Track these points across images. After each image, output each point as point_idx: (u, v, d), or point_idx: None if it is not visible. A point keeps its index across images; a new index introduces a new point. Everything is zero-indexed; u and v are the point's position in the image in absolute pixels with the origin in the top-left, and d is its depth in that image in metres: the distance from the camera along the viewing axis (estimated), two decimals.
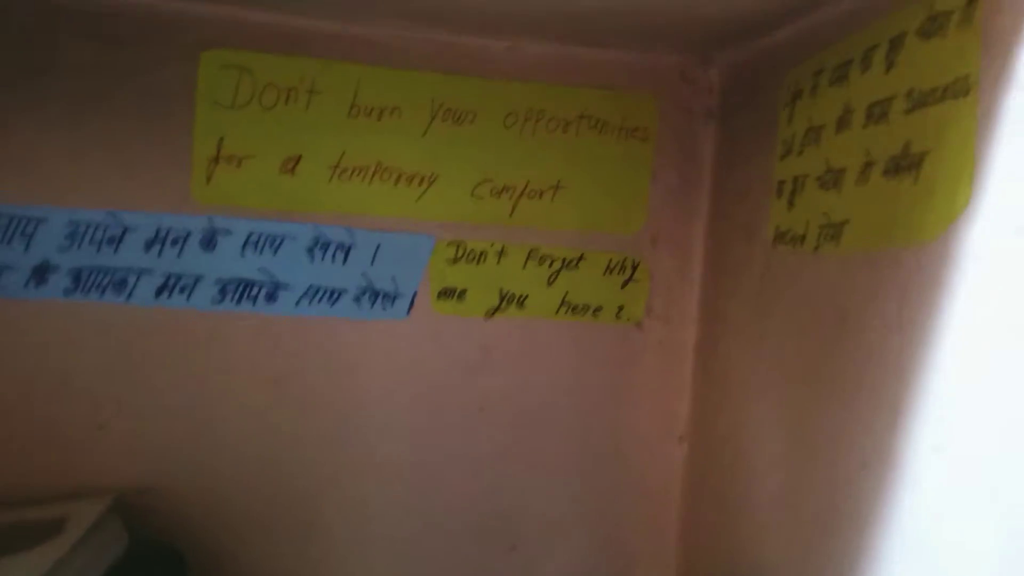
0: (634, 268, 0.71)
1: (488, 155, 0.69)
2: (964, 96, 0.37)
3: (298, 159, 0.67)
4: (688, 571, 0.68)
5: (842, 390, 0.46)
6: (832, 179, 0.49)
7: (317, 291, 0.68)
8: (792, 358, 0.53)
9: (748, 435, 0.59)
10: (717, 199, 0.68)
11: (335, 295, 0.68)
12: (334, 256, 0.68)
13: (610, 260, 0.71)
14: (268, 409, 0.67)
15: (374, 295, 0.69)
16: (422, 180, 0.69)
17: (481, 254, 0.70)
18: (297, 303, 0.68)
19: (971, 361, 0.36)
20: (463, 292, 0.70)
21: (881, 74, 0.44)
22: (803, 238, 0.52)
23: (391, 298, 0.69)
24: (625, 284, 0.71)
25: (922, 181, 0.40)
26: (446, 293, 0.70)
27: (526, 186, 0.70)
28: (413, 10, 0.62)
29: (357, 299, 0.69)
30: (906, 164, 0.41)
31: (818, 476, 0.48)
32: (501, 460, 0.71)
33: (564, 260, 0.70)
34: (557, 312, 0.71)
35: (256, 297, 0.67)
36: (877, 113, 0.44)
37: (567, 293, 0.71)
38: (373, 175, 0.68)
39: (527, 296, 0.70)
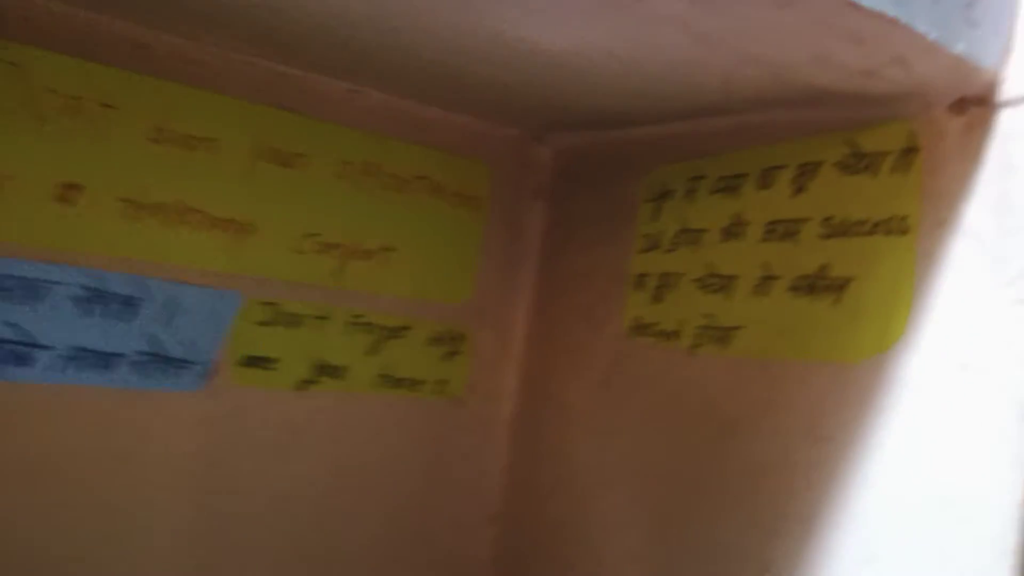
0: (459, 341, 0.67)
1: (317, 206, 0.61)
2: (901, 234, 0.40)
3: (78, 187, 0.53)
4: None
5: (736, 496, 0.47)
6: (718, 284, 0.51)
7: (87, 354, 0.54)
8: (656, 456, 0.53)
9: (594, 526, 0.58)
10: (548, 278, 0.68)
11: (110, 360, 0.54)
12: (114, 311, 0.54)
13: (436, 331, 0.66)
14: (11, 510, 0.51)
15: (161, 361, 0.56)
16: (237, 227, 0.58)
17: (298, 318, 0.61)
18: (57, 369, 0.53)
19: (905, 480, 0.38)
20: (272, 361, 0.60)
21: (787, 195, 0.47)
22: (676, 334, 0.53)
23: (182, 366, 0.57)
24: (449, 357, 0.67)
25: (845, 305, 0.42)
26: (252, 361, 0.59)
27: (355, 245, 0.63)
28: (243, 30, 0.52)
29: (139, 366, 0.55)
30: (823, 286, 0.44)
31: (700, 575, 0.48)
32: (305, 557, 0.61)
33: (389, 329, 0.64)
34: (377, 386, 0.64)
35: None
36: (781, 232, 0.47)
37: (389, 365, 0.64)
38: (176, 216, 0.56)
39: (346, 368, 0.63)
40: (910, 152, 0.40)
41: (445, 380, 0.67)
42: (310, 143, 0.60)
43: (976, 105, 0.38)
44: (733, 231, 0.50)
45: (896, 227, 0.40)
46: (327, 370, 0.62)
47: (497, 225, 0.69)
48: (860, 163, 0.43)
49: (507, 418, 0.69)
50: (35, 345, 0.52)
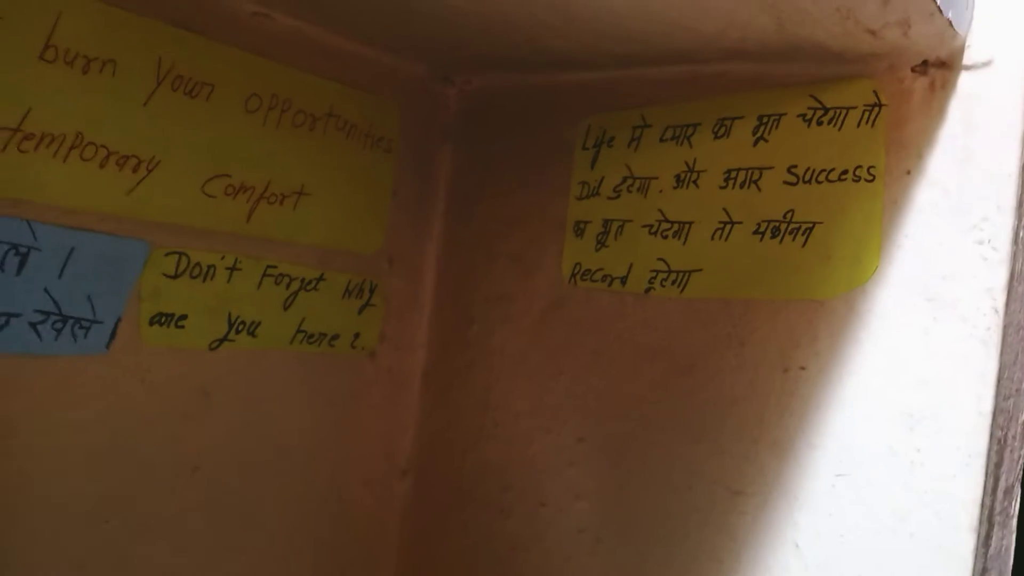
0: (372, 291, 0.64)
1: (226, 142, 0.54)
2: (869, 182, 0.44)
3: None
4: None
5: (703, 425, 0.50)
6: (672, 230, 0.53)
7: None
8: (606, 395, 0.55)
9: (530, 469, 0.58)
10: (459, 224, 0.66)
11: (2, 321, 0.45)
12: (2, 263, 0.45)
13: (349, 282, 0.62)
14: None
15: (61, 321, 0.48)
16: (139, 164, 0.50)
17: (209, 269, 0.54)
18: None
19: (879, 400, 0.43)
20: (183, 317, 0.53)
21: (746, 145, 0.50)
22: (623, 279, 0.55)
23: (86, 326, 0.49)
24: (362, 309, 0.63)
25: (812, 247, 0.46)
26: (161, 319, 0.52)
27: (267, 187, 0.57)
28: None
29: (36, 326, 0.47)
30: (789, 230, 0.47)
31: (666, 503, 0.51)
32: (215, 526, 0.56)
33: (303, 280, 0.59)
34: (292, 342, 0.59)
35: None
36: (742, 179, 0.50)
37: (304, 319, 0.60)
38: (70, 149, 0.48)
39: (260, 323, 0.57)
40: (875, 108, 0.45)
41: (359, 333, 0.63)
42: (215, 70, 0.53)
43: (938, 68, 0.43)
44: (686, 179, 0.52)
45: (863, 175, 0.45)
46: (241, 326, 0.56)
47: (406, 169, 0.66)
48: (824, 116, 0.47)
49: (420, 369, 0.67)
50: None
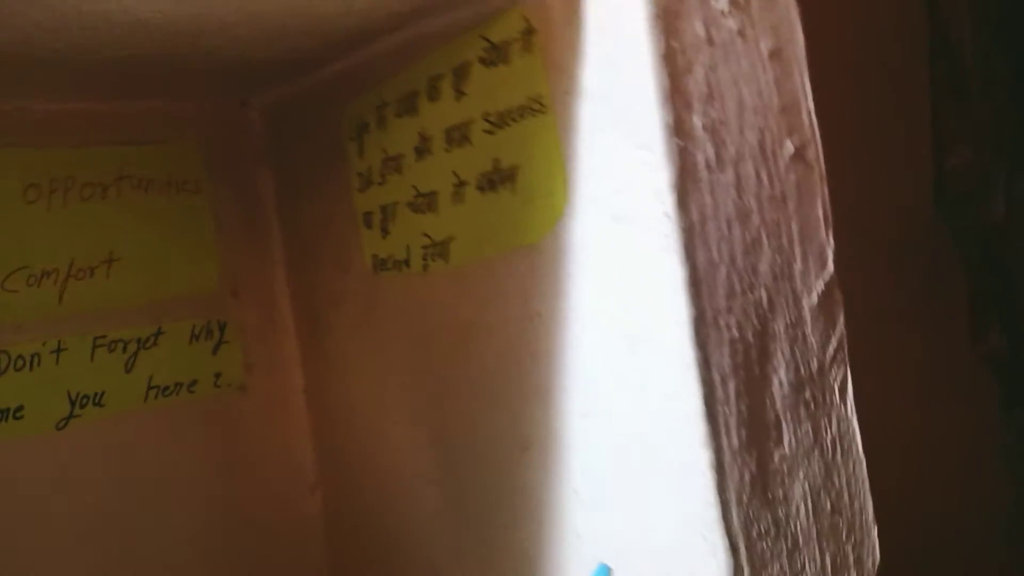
0: (222, 329, 0.66)
1: (13, 238, 0.57)
2: (542, 113, 0.42)
3: None
4: None
5: (486, 388, 0.49)
6: (425, 203, 0.52)
7: None
8: (422, 376, 0.55)
9: (392, 465, 0.59)
10: (294, 239, 0.67)
11: None
12: None
13: (193, 327, 0.64)
14: None
15: None
16: None
17: (33, 357, 0.57)
18: None
19: (604, 326, 0.42)
20: (20, 408, 0.57)
21: (452, 102, 0.48)
22: (407, 261, 0.54)
23: None
24: (217, 348, 0.65)
25: (519, 191, 0.45)
26: None
27: (71, 266, 0.59)
28: None
29: None
30: (500, 179, 0.46)
31: (483, 474, 0.51)
32: None
33: (139, 340, 0.62)
34: (147, 399, 0.62)
35: None
36: (457, 137, 0.48)
37: (152, 376, 0.62)
38: None
39: (104, 392, 0.60)
40: (529, 34, 0.42)
41: (220, 372, 0.65)
42: None
43: None
44: (423, 149, 0.51)
45: (536, 107, 0.43)
46: (85, 400, 0.59)
47: (225, 201, 0.67)
48: (497, 55, 0.45)
49: (301, 387, 0.68)
50: None
